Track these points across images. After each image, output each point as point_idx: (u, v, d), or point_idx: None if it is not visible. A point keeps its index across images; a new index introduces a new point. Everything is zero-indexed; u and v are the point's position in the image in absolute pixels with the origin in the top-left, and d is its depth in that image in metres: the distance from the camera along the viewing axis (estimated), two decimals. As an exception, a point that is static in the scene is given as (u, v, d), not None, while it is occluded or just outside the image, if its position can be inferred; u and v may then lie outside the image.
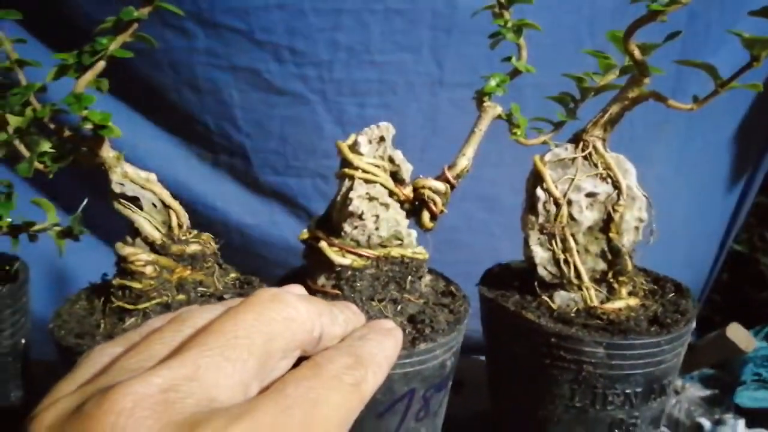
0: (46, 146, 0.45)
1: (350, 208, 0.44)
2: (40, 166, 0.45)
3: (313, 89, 0.84)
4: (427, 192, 0.49)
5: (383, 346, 0.26)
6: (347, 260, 0.45)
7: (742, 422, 1.15)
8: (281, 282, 0.49)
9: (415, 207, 0.50)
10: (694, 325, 0.45)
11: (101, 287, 0.48)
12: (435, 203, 0.49)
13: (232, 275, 0.51)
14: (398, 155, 0.48)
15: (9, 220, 0.47)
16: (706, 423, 1.17)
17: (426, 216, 0.50)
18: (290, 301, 0.24)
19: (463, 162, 0.50)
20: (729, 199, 1.21)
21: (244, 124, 0.84)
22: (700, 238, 1.21)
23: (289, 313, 0.23)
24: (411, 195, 0.50)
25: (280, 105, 0.83)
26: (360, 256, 0.45)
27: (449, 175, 0.50)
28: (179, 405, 0.19)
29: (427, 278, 0.50)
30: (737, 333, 1.28)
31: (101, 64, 0.44)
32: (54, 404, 0.20)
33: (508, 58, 0.49)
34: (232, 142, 0.85)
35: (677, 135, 1.01)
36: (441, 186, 0.50)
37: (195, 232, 0.48)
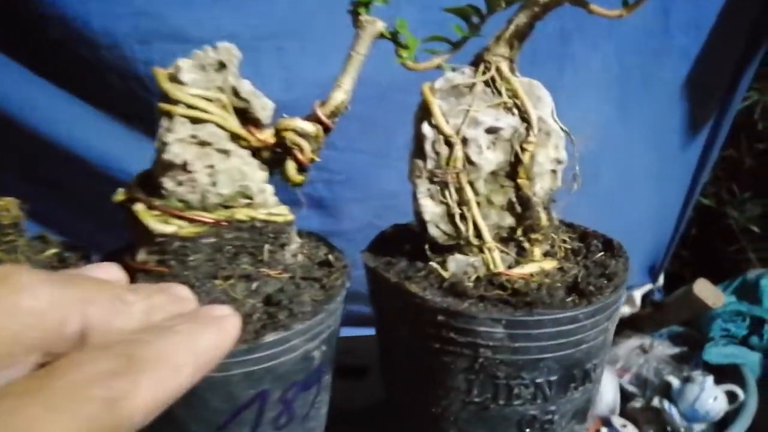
0: None
1: (166, 156, 0.33)
2: None
3: (225, 35, 0.74)
4: (290, 135, 0.38)
5: (194, 339, 0.20)
6: (171, 227, 0.34)
7: (710, 379, 1.09)
8: (104, 260, 0.38)
9: (277, 156, 0.39)
10: (624, 293, 0.36)
11: None
12: (302, 150, 0.39)
13: (53, 250, 0.40)
14: (245, 86, 0.37)
15: None
16: (675, 381, 1.11)
17: (291, 166, 0.39)
18: (24, 283, 0.18)
19: (339, 96, 0.39)
20: (691, 150, 1.15)
21: (150, 83, 0.74)
22: (662, 192, 1.15)
23: (18, 300, 0.17)
24: (271, 140, 0.39)
25: None
26: (191, 221, 0.34)
27: (321, 113, 0.39)
28: None
29: (294, 246, 0.40)
30: (705, 289, 1.21)
31: None
32: None
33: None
34: (143, 103, 0.74)
35: (614, 80, 0.92)
36: (309, 127, 0.39)
37: (-18, 197, 0.37)
